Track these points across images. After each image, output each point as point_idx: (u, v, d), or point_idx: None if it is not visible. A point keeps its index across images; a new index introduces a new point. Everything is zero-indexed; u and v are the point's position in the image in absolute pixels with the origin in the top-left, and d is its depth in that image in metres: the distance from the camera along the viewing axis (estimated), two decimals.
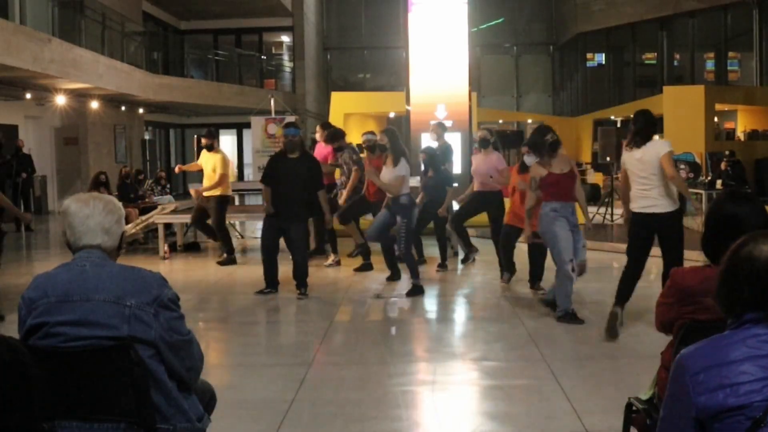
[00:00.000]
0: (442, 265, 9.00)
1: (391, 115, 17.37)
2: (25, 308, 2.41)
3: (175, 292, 2.47)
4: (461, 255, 9.59)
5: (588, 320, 6.40)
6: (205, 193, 9.73)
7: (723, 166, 13.52)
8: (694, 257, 8.10)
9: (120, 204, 2.59)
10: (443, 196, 8.58)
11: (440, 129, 9.47)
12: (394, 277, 8.27)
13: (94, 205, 2.48)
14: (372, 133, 9.17)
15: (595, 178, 18.12)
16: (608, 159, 13.51)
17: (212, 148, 9.80)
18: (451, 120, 13.09)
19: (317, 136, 10.00)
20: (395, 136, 7.65)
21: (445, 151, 9.23)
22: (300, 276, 7.57)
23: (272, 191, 7.56)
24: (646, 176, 5.70)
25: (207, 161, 9.75)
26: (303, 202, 7.57)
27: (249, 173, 23.40)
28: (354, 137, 16.43)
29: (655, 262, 6.93)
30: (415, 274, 7.57)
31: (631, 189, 5.85)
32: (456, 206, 10.09)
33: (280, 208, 7.51)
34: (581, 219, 6.69)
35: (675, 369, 1.85)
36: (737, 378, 1.75)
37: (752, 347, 1.78)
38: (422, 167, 8.89)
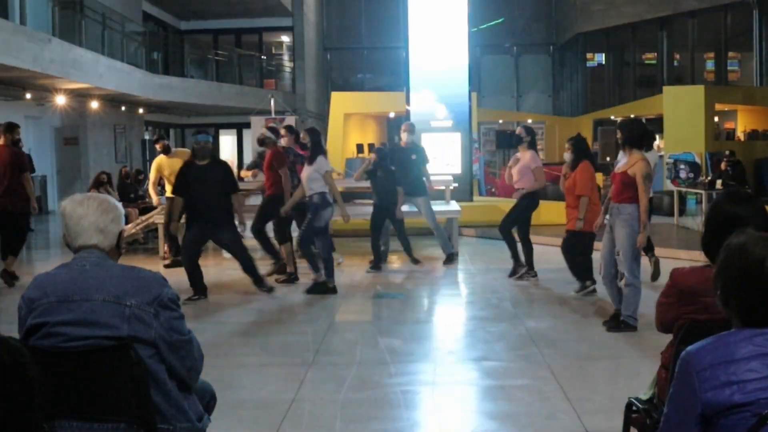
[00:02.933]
0: (414, 260, 9.00)
1: (391, 115, 17.37)
2: (25, 308, 2.41)
3: (175, 292, 2.47)
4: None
5: (588, 320, 6.40)
6: None
7: (723, 166, 13.50)
8: (694, 257, 8.10)
9: (117, 203, 2.57)
10: (394, 197, 8.70)
11: (410, 128, 9.52)
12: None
13: (88, 205, 2.48)
14: (271, 129, 8.93)
15: None
16: (608, 159, 13.51)
17: (168, 151, 9.72)
18: (451, 120, 13.10)
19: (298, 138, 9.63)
20: (317, 136, 7.69)
21: (420, 153, 9.39)
22: (251, 273, 7.54)
23: (191, 200, 7.30)
24: None
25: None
26: (224, 207, 7.31)
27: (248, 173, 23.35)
28: (354, 137, 16.48)
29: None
30: (316, 268, 7.58)
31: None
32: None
33: (203, 216, 7.27)
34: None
35: (681, 365, 1.86)
36: (744, 375, 1.76)
37: (759, 345, 1.79)
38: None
